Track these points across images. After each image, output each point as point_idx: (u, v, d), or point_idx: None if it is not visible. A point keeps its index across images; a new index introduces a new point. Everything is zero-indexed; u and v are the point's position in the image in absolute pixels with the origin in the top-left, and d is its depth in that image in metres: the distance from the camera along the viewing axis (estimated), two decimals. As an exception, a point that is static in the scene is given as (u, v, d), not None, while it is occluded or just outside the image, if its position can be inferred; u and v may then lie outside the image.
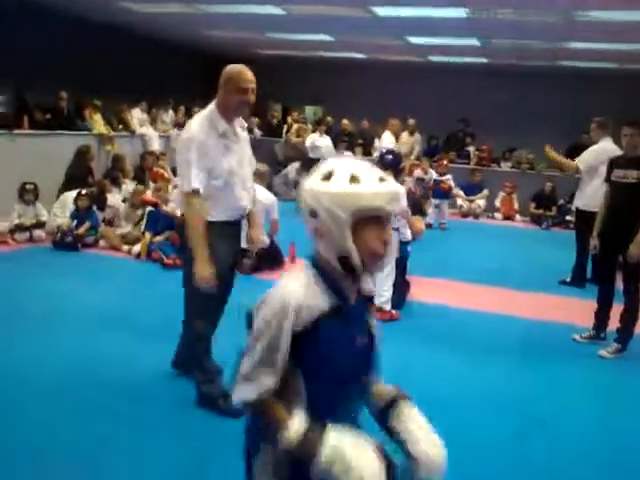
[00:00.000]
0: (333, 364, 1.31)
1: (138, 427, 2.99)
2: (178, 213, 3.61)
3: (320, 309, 1.28)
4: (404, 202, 4.86)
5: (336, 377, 1.33)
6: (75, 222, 6.71)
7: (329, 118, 11.93)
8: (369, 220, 1.27)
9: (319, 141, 10.23)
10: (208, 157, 2.93)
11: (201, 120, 3.02)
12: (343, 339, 1.32)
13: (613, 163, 4.54)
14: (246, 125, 3.34)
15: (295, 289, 1.29)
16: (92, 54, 10.07)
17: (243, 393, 1.33)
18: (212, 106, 3.07)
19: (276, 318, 1.26)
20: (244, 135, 3.23)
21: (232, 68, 3.12)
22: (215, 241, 2.96)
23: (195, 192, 2.90)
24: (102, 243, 6.74)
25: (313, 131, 10.95)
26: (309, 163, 10.18)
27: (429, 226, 9.13)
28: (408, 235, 5.14)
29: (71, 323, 4.33)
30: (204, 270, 2.88)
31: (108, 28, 10.52)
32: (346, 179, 1.26)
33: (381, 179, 1.28)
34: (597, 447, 3.15)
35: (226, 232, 3.08)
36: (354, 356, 1.36)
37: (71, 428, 2.92)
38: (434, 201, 9.70)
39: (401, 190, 1.29)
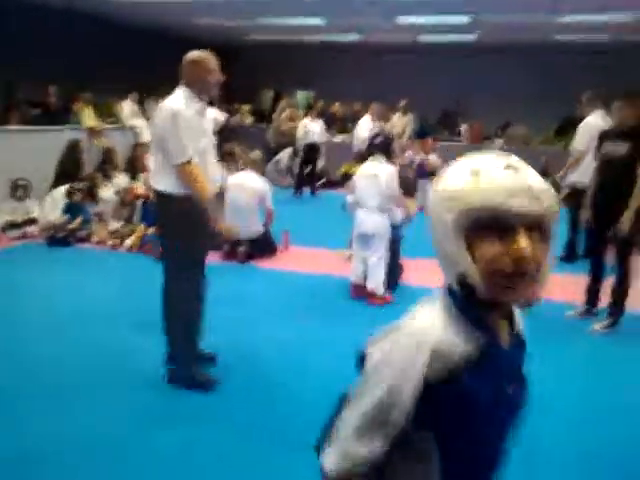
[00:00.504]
0: (479, 427, 1.00)
1: (148, 418, 3.02)
2: (151, 191, 3.69)
3: (463, 353, 0.96)
4: (396, 184, 4.86)
5: (478, 443, 1.02)
6: (67, 217, 6.70)
7: (320, 102, 11.86)
8: (491, 226, 0.92)
9: (311, 126, 10.16)
10: (192, 132, 3.10)
11: (180, 98, 3.16)
12: (492, 393, 1.00)
13: (603, 137, 4.51)
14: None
15: (431, 324, 0.98)
16: (81, 46, 10.00)
17: (333, 460, 1.00)
18: (184, 87, 3.21)
19: (402, 362, 0.95)
20: (209, 115, 3.44)
21: (199, 52, 3.31)
22: (197, 214, 3.14)
23: (190, 161, 3.08)
24: (94, 238, 6.73)
25: (305, 116, 10.88)
26: (305, 149, 10.16)
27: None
28: (399, 217, 5.13)
29: (70, 318, 4.35)
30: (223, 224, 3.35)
31: (96, 19, 10.44)
32: (466, 173, 0.96)
33: (508, 166, 0.94)
34: (590, 422, 3.18)
35: (199, 206, 3.21)
36: (503, 414, 1.05)
37: (81, 423, 2.95)
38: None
39: (543, 185, 0.94)
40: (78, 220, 6.72)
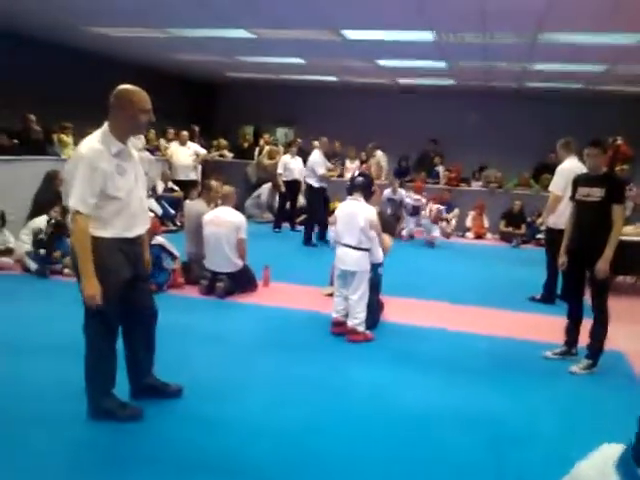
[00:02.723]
0: None
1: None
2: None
3: None
4: (375, 224, 4.91)
5: None
6: (43, 250, 6.59)
7: (299, 140, 12.01)
8: None
9: (291, 163, 10.27)
10: (100, 176, 2.99)
11: (94, 140, 3.08)
12: None
13: (577, 181, 4.64)
14: (140, 145, 3.42)
15: None
16: (61, 78, 10.00)
17: None
18: (105, 128, 3.13)
19: None
20: (137, 155, 3.33)
21: (130, 90, 3.17)
22: (108, 256, 3.07)
23: (79, 212, 2.98)
24: (67, 271, 6.59)
25: (285, 153, 11.00)
26: (285, 186, 10.27)
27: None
28: (380, 257, 5.17)
29: (37, 351, 4.23)
30: (90, 288, 2.98)
31: (77, 52, 10.48)
32: None
33: None
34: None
35: (122, 248, 3.15)
36: None
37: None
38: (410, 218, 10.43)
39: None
40: (57, 253, 6.61)
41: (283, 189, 10.29)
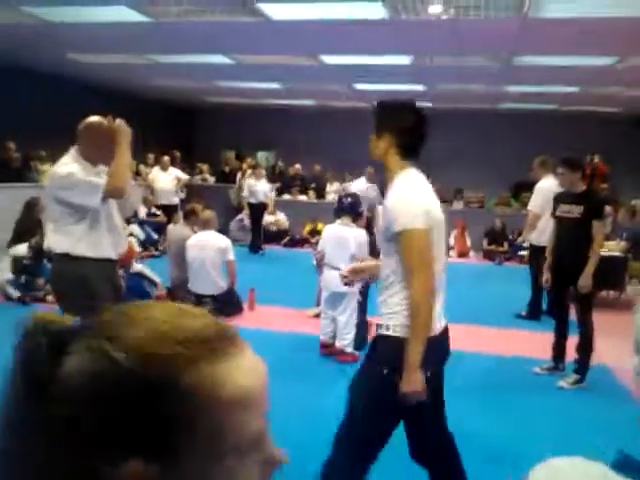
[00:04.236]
0: None
1: None
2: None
3: None
4: (364, 247, 4.91)
5: None
6: (24, 277, 6.50)
7: (280, 163, 12.10)
8: None
9: (257, 186, 10.43)
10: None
11: (68, 162, 3.14)
12: None
13: (558, 199, 4.73)
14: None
15: None
16: (40, 104, 9.96)
17: None
18: (73, 152, 3.18)
19: None
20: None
21: (97, 122, 3.21)
22: (95, 278, 3.07)
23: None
24: (50, 298, 6.50)
25: (251, 176, 11.15)
26: (250, 208, 10.44)
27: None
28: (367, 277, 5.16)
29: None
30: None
31: (56, 78, 10.46)
32: None
33: None
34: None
35: (102, 270, 3.16)
36: None
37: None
38: None
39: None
40: (40, 281, 6.52)
41: (247, 211, 10.45)
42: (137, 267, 7.44)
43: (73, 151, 3.17)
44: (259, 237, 10.71)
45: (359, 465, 2.33)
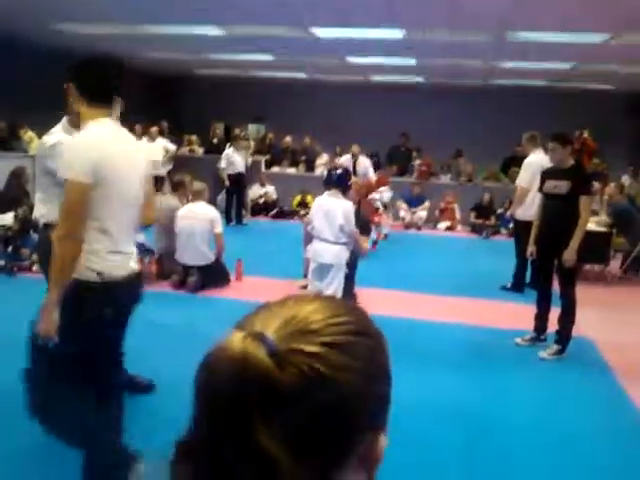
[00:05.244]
0: None
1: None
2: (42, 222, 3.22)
3: None
4: (352, 219, 4.92)
5: None
6: (11, 247, 6.47)
7: (270, 135, 12.01)
8: None
9: (234, 157, 10.40)
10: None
11: (58, 132, 3.19)
12: None
13: (544, 175, 4.75)
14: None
15: None
16: (27, 75, 9.80)
17: None
18: (64, 122, 3.21)
19: None
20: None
21: None
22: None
23: None
24: (35, 268, 6.48)
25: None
26: (230, 179, 10.38)
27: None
28: (365, 248, 5.21)
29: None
30: None
31: (43, 49, 10.27)
32: None
33: None
34: (541, 448, 3.26)
35: None
36: None
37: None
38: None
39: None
40: (26, 251, 6.49)
41: (227, 183, 10.41)
42: (139, 237, 7.44)
43: (64, 121, 3.18)
44: (241, 209, 10.67)
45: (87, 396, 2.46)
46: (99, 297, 2.35)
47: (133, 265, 2.51)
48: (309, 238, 5.12)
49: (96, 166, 2.24)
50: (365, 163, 9.76)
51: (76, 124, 3.13)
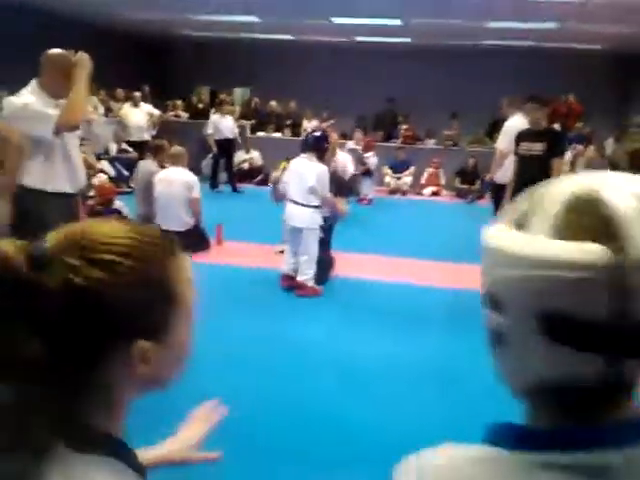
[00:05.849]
0: None
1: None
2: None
3: None
4: (325, 183, 4.92)
5: None
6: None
7: (256, 99, 11.88)
8: None
9: (221, 123, 10.28)
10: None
11: (26, 94, 3.18)
12: None
13: (520, 137, 4.76)
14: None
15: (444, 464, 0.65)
16: (5, 35, 9.61)
17: None
18: (34, 84, 3.21)
19: None
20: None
21: (58, 54, 3.24)
22: (47, 211, 3.08)
23: None
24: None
25: (215, 112, 10.89)
26: (217, 145, 10.28)
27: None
28: (342, 209, 5.21)
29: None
30: None
31: (23, 8, 10.06)
32: (547, 224, 0.57)
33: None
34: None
35: (57, 203, 3.20)
36: None
37: None
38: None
39: None
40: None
41: (215, 149, 10.32)
42: (117, 204, 7.46)
43: (34, 83, 3.19)
44: (232, 174, 10.63)
45: None
46: None
47: None
48: (279, 196, 5.20)
49: None
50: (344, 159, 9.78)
51: (49, 90, 3.17)
